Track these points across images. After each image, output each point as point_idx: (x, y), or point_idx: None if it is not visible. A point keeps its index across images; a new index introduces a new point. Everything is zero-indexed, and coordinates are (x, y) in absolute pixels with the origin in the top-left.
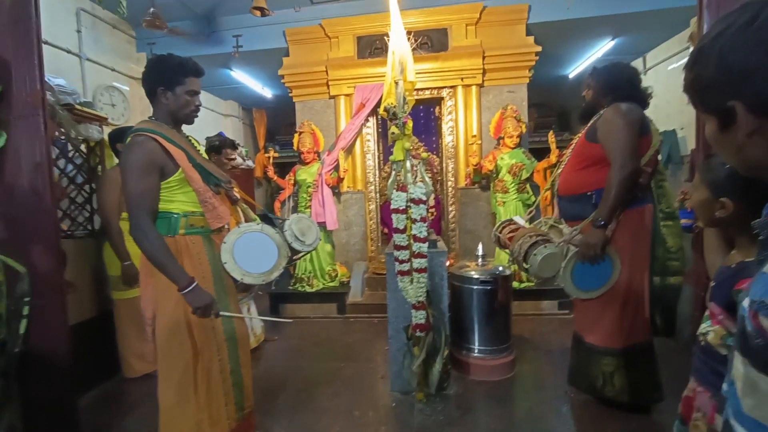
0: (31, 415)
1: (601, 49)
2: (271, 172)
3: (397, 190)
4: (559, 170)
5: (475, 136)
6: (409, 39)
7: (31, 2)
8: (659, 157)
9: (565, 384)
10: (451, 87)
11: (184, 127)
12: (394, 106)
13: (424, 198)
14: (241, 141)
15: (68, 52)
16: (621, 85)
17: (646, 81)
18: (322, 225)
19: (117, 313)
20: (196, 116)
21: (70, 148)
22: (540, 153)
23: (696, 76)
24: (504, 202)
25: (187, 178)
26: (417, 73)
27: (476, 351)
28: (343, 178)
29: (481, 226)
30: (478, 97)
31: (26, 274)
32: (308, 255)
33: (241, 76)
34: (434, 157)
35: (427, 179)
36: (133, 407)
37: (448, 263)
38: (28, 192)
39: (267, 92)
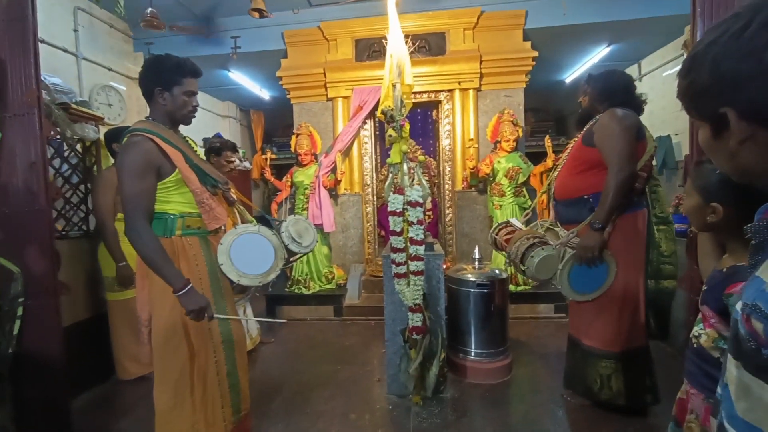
0: (23, 417)
1: (597, 55)
2: (268, 174)
3: (394, 193)
4: (555, 174)
5: (472, 139)
6: (407, 42)
7: (27, 1)
8: (654, 163)
9: (562, 387)
10: (449, 91)
11: (182, 128)
12: (392, 109)
13: (421, 201)
14: (239, 142)
15: (65, 51)
16: (617, 91)
17: (642, 87)
18: (319, 227)
19: (111, 314)
20: (194, 117)
21: (65, 147)
22: (536, 157)
23: (689, 83)
24: (501, 206)
25: (183, 179)
26: (415, 77)
27: (473, 354)
28: (340, 181)
29: (478, 230)
30: (476, 101)
31: (20, 274)
32: (305, 257)
33: (239, 77)
34: (431, 160)
35: (424, 182)
36: (127, 410)
37: (444, 266)
38: (22, 192)
39: (265, 94)
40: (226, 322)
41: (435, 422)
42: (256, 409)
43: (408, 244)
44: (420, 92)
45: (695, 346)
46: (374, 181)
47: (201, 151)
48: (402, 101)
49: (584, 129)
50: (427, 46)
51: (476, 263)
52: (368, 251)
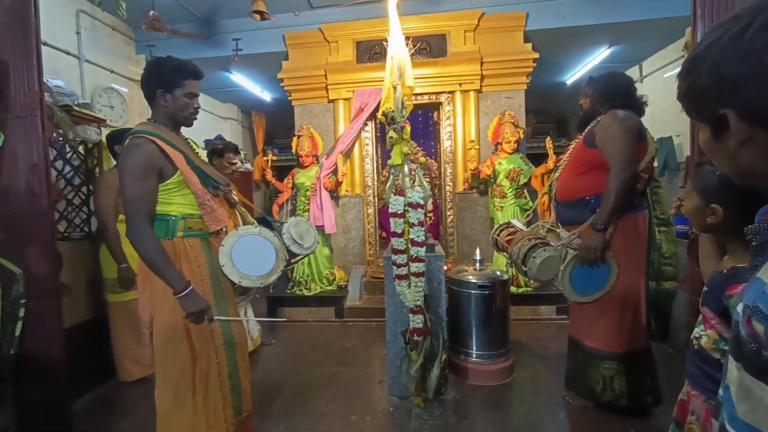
0: (25, 418)
1: (598, 57)
2: (269, 176)
3: (395, 195)
4: (557, 175)
5: (473, 141)
6: (407, 44)
7: (30, 3)
8: (655, 164)
9: (563, 389)
10: (450, 92)
11: (183, 130)
12: (393, 111)
13: (421, 202)
14: (240, 144)
15: (67, 53)
16: (617, 93)
17: (643, 89)
18: (320, 228)
19: (111, 316)
20: (195, 119)
21: (67, 149)
22: (537, 158)
23: (689, 85)
24: (502, 207)
25: (185, 181)
26: (416, 79)
27: (474, 356)
28: (341, 182)
29: (479, 231)
30: (476, 103)
31: (22, 276)
32: (306, 258)
33: (240, 79)
34: (432, 161)
35: (425, 184)
36: (128, 411)
37: (445, 268)
38: (24, 193)
39: (266, 95)
40: (227, 324)
41: (436, 424)
42: (257, 411)
43: (409, 245)
44: (421, 94)
45: (696, 347)
46: (375, 183)
47: (202, 153)
48: (403, 103)
49: (585, 130)
50: (428, 47)
51: (477, 265)
52: (369, 253)
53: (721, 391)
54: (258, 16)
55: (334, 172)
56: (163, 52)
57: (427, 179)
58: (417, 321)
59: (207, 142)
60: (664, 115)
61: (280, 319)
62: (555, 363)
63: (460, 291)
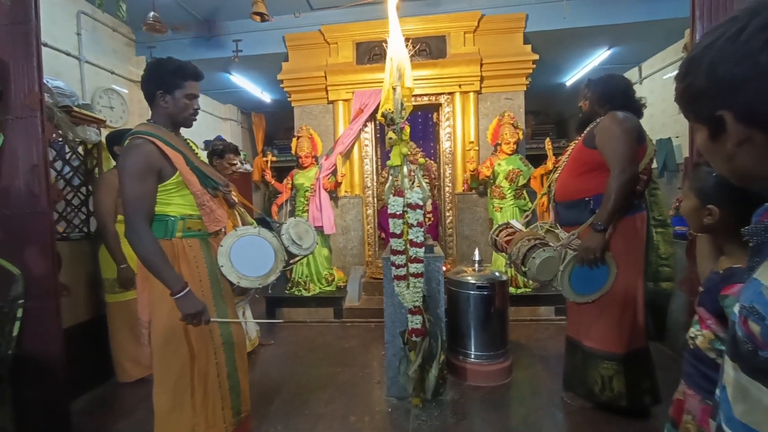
0: (23, 419)
1: (597, 58)
2: (268, 176)
3: (394, 195)
4: (556, 176)
5: (472, 142)
6: (407, 46)
7: (31, 4)
8: (653, 166)
9: (562, 390)
10: (449, 94)
11: (183, 131)
12: (392, 112)
13: (421, 203)
14: (240, 145)
15: (67, 54)
16: (616, 95)
17: (642, 90)
18: (319, 229)
19: (110, 316)
20: (195, 120)
21: (67, 150)
22: (537, 160)
23: (686, 87)
24: (501, 208)
25: (184, 181)
26: (415, 80)
27: (473, 356)
28: (340, 183)
29: (478, 232)
30: (476, 104)
31: (20, 276)
32: (305, 259)
33: (240, 80)
34: (432, 162)
35: (424, 184)
36: (127, 412)
37: (444, 268)
38: (24, 194)
39: (266, 97)
40: (227, 324)
41: (434, 425)
42: (255, 411)
43: (408, 246)
44: (420, 95)
45: (692, 347)
46: (374, 184)
47: (202, 154)
48: (402, 104)
49: (585, 132)
50: (428, 49)
51: (476, 265)
52: (368, 253)
53: (717, 392)
54: (258, 18)
55: (334, 172)
56: (163, 53)
57: (427, 180)
58: (416, 322)
59: (207, 143)
60: (664, 116)
61: (275, 320)
62: (554, 364)
63: (458, 292)
